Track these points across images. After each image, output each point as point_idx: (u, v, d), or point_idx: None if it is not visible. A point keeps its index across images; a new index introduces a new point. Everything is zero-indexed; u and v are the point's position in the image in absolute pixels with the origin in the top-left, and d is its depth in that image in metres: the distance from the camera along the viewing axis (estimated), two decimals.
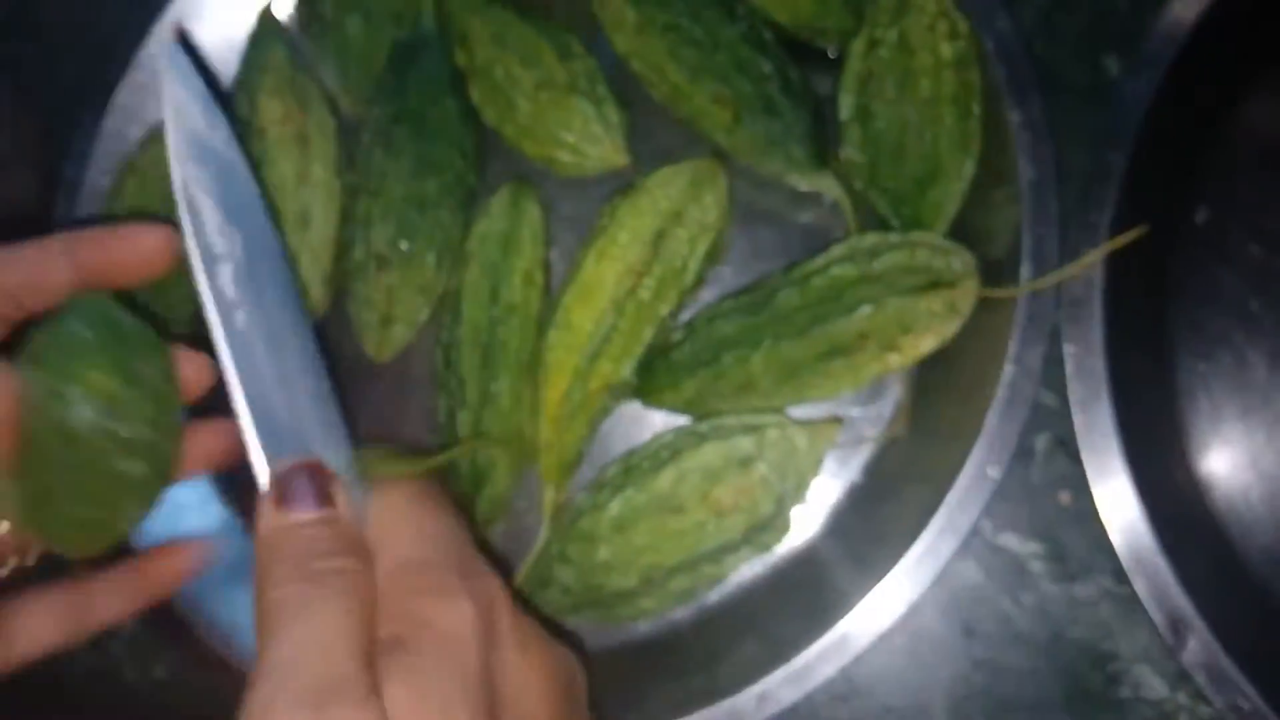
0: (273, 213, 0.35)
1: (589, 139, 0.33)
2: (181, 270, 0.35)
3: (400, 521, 0.21)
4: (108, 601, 0.27)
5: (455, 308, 0.33)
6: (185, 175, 0.22)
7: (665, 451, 0.31)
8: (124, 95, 0.37)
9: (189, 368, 0.25)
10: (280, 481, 0.20)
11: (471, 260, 0.33)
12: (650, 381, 0.32)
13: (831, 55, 0.34)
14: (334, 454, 0.22)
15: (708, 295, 0.34)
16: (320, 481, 0.20)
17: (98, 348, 0.23)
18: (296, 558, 0.20)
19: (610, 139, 0.33)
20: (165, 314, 0.35)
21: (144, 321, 0.24)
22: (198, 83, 0.23)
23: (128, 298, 0.35)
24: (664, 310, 0.32)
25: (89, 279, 0.25)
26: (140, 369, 0.23)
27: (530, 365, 0.32)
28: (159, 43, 0.37)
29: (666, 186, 0.32)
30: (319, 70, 0.36)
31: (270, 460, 0.21)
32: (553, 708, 0.21)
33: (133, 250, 0.25)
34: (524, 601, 0.22)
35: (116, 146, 0.37)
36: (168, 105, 0.22)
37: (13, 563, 0.26)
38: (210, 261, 0.21)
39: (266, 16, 0.37)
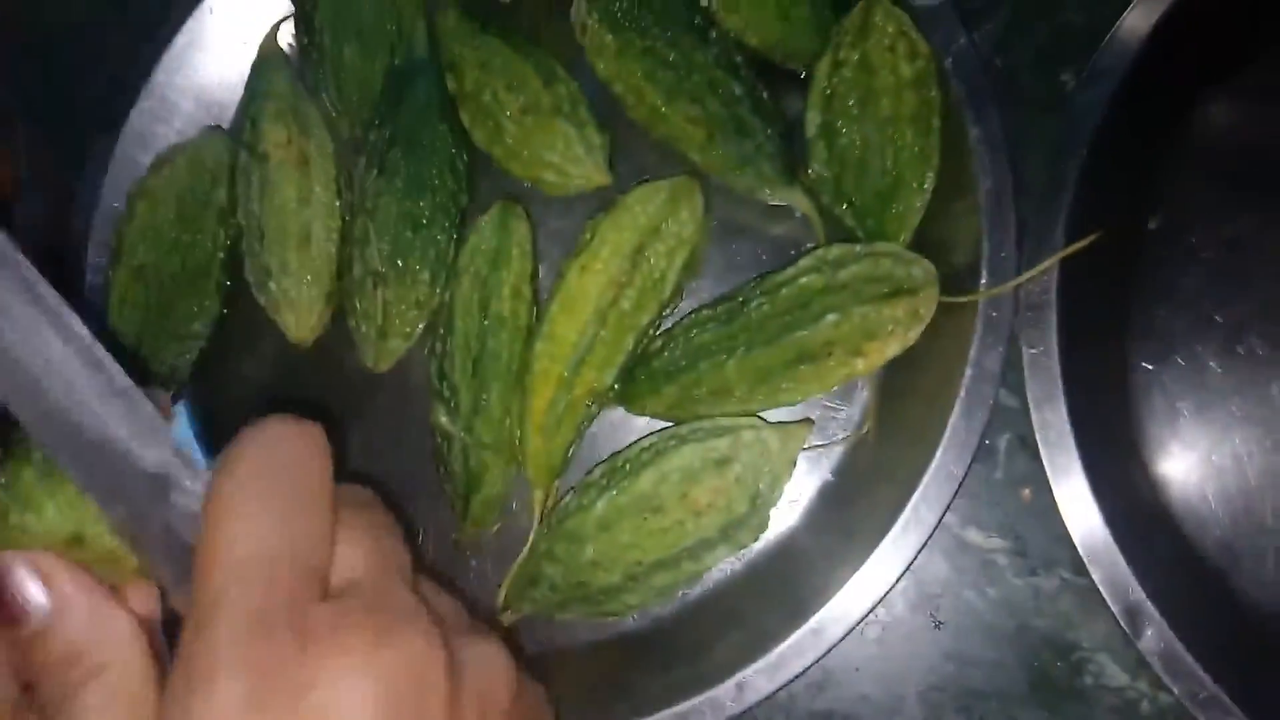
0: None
1: (572, 160, 0.35)
2: (191, 289, 0.37)
3: (241, 512, 0.18)
4: None
5: (448, 321, 0.35)
6: None
7: (646, 454, 0.32)
8: (135, 122, 0.39)
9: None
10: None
11: (463, 275, 0.35)
12: (632, 388, 0.34)
13: (802, 76, 0.36)
14: (153, 450, 0.19)
15: (686, 306, 0.36)
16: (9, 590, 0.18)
17: None
18: (45, 682, 0.18)
19: (592, 159, 0.35)
20: (183, 328, 0.37)
21: None
22: None
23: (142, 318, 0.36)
24: (644, 320, 0.34)
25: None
26: None
27: (520, 375, 0.34)
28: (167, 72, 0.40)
29: (645, 203, 0.33)
30: (319, 96, 0.38)
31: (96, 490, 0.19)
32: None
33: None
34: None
35: (128, 171, 0.39)
36: None
37: None
38: None
39: (268, 46, 0.39)
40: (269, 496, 0.18)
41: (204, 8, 0.40)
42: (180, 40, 0.40)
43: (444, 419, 0.34)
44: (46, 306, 0.18)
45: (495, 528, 0.35)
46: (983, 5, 0.37)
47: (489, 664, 0.20)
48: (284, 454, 0.19)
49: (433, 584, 0.21)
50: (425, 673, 0.18)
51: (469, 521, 0.35)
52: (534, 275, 0.36)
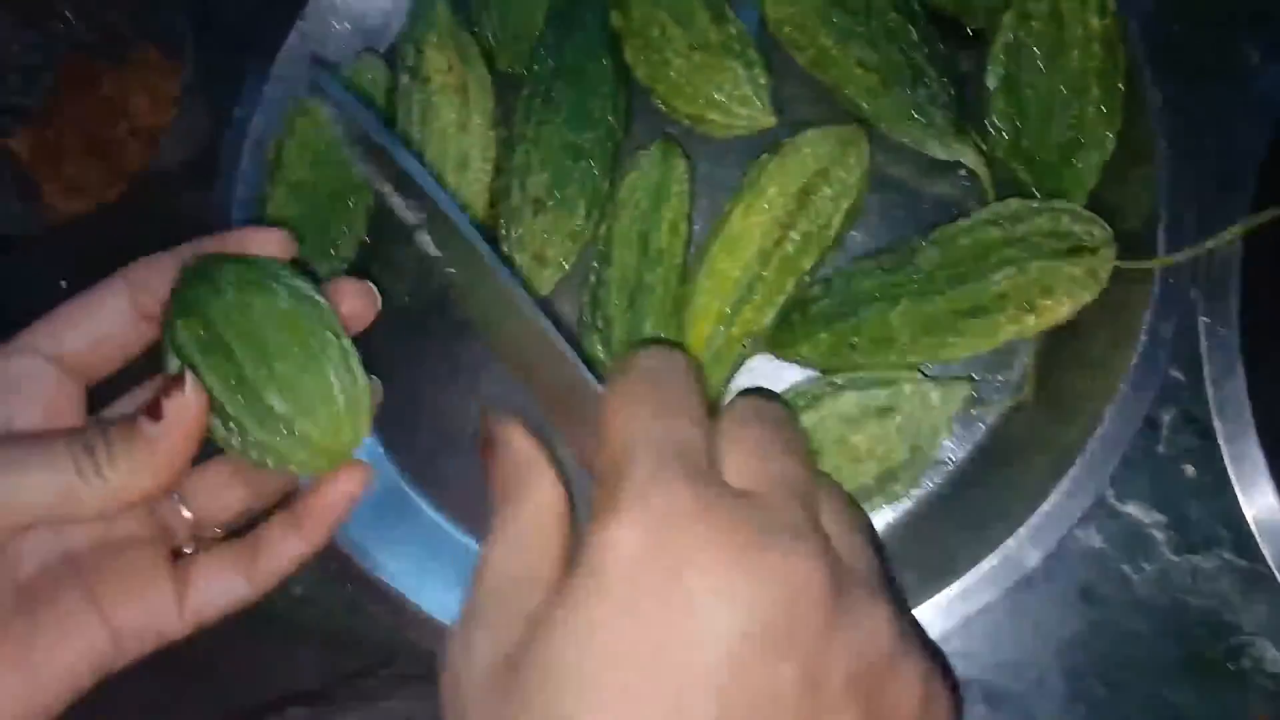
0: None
1: (739, 99, 0.34)
2: (343, 207, 0.37)
3: (639, 398, 0.22)
4: (281, 547, 0.27)
5: (606, 253, 0.34)
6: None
7: (802, 399, 0.32)
8: (293, 43, 0.40)
9: (353, 297, 0.28)
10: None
11: (623, 209, 0.34)
12: (786, 333, 0.33)
13: (969, 33, 0.36)
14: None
15: (838, 258, 0.35)
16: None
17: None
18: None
19: (760, 100, 0.34)
20: (331, 247, 0.37)
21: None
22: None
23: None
24: (806, 264, 0.33)
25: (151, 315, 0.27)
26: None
27: (673, 310, 0.34)
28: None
29: (815, 146, 0.33)
30: (479, 28, 0.38)
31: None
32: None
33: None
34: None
35: (283, 91, 0.39)
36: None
37: (191, 546, 0.28)
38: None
39: None
40: (658, 393, 0.21)
41: None
42: None
43: (599, 349, 0.34)
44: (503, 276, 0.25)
45: None
46: None
47: (875, 625, 0.18)
48: (664, 367, 0.22)
49: (853, 526, 0.21)
50: (801, 597, 0.17)
51: None
52: (690, 214, 0.35)
